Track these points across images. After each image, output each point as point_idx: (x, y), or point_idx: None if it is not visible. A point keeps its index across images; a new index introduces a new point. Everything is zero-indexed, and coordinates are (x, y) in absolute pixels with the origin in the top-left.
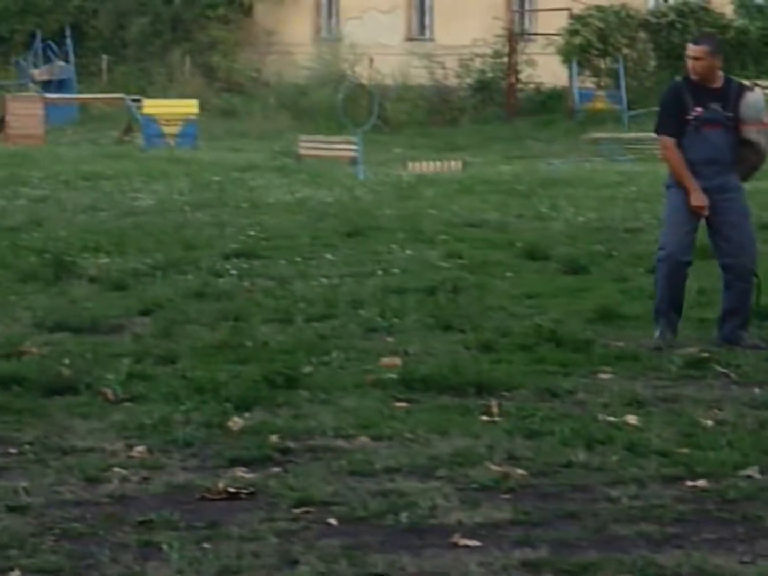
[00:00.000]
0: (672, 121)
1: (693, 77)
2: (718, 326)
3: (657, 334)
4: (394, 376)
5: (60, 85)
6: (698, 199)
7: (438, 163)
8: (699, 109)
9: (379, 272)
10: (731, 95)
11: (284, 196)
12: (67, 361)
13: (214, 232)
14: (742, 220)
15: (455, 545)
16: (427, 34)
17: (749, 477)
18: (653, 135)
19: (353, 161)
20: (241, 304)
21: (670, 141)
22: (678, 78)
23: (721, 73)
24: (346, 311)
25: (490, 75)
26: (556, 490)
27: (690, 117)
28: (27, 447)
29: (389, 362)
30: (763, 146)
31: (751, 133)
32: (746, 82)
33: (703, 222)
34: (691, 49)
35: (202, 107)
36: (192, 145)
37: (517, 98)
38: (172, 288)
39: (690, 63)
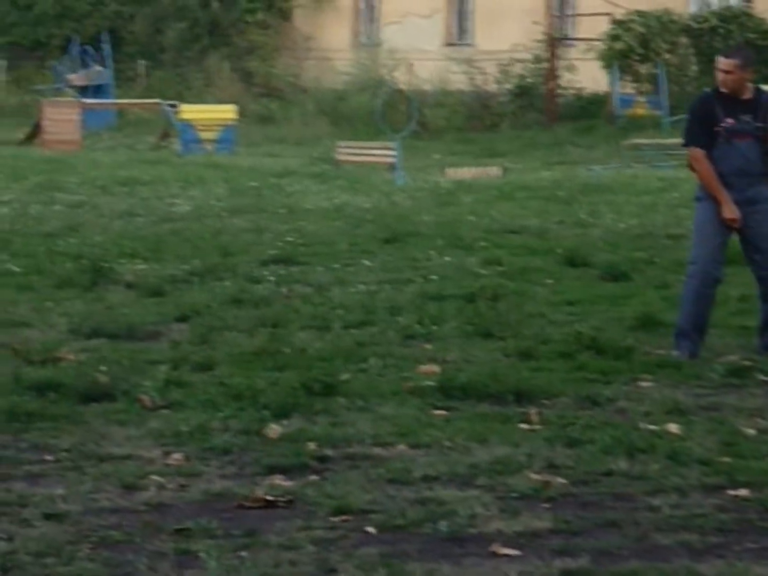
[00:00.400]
0: (702, 132)
1: (722, 90)
2: (759, 335)
3: (676, 353)
4: (432, 383)
5: (97, 90)
6: (730, 211)
7: (477, 169)
8: (730, 120)
9: (418, 279)
10: (761, 106)
11: (322, 202)
12: (103, 367)
13: (251, 238)
14: None
15: (495, 554)
16: (467, 39)
17: None
18: None
19: (392, 167)
20: (278, 310)
21: (700, 152)
22: (707, 89)
23: (750, 85)
24: (384, 318)
25: (529, 80)
26: (597, 498)
27: (720, 128)
28: (64, 454)
29: (428, 369)
30: None
31: None
32: None
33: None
34: (722, 63)
35: (239, 113)
36: (230, 150)
37: (556, 104)
38: (209, 294)
39: (720, 76)
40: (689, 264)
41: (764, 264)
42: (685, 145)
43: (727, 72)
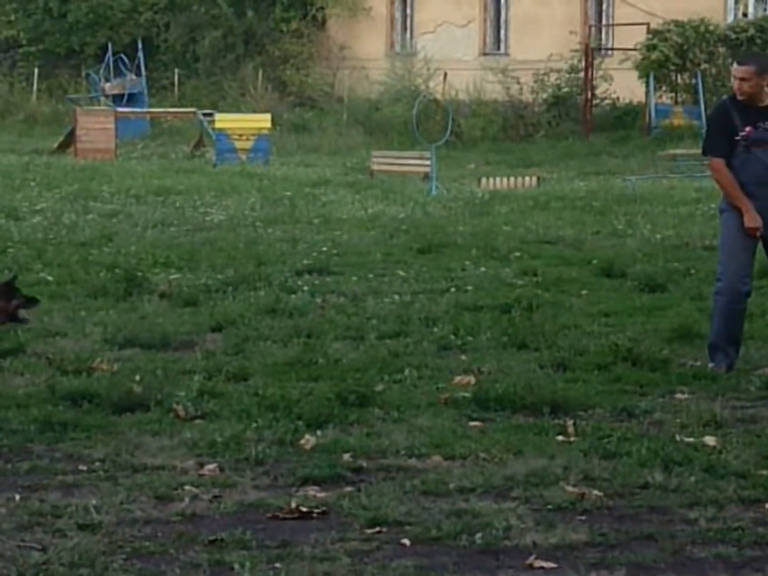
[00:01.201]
0: (721, 141)
1: (740, 98)
2: None
3: (712, 365)
4: (467, 394)
5: (131, 99)
6: (752, 219)
7: (512, 179)
8: (748, 129)
9: (453, 289)
10: None
11: (356, 211)
12: (137, 377)
13: (285, 248)
14: None
15: (531, 567)
16: (502, 48)
17: None
18: None
19: (426, 177)
20: (313, 320)
21: (719, 162)
22: (725, 97)
23: None
24: (419, 329)
25: (565, 90)
26: (633, 511)
27: (739, 137)
28: (97, 464)
29: (463, 381)
30: None
31: None
32: None
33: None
34: (737, 70)
35: (274, 122)
36: (264, 160)
37: (592, 114)
38: (243, 304)
39: (736, 84)
40: (716, 280)
41: None
42: (704, 154)
43: (743, 79)
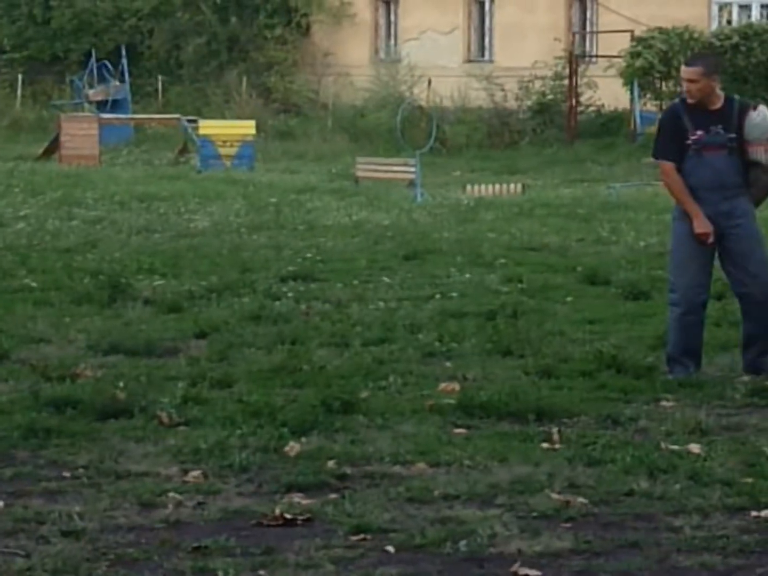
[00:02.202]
0: (671, 145)
1: (690, 101)
2: (743, 353)
3: (670, 377)
4: (452, 401)
5: (115, 105)
6: (702, 225)
7: (497, 186)
8: (699, 133)
9: (438, 296)
10: (733, 115)
11: (341, 218)
12: (121, 384)
13: (270, 255)
14: (754, 247)
15: (515, 574)
16: (487, 55)
17: None
18: None
19: (411, 184)
20: (297, 327)
21: (669, 166)
22: (676, 100)
23: (720, 93)
24: (404, 336)
25: (550, 97)
26: (618, 519)
27: (690, 141)
28: (81, 471)
29: (448, 388)
30: None
31: (758, 153)
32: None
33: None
34: (684, 72)
35: (258, 128)
36: (248, 166)
37: (577, 121)
38: (227, 311)
39: (685, 86)
40: (669, 291)
41: (744, 280)
42: (655, 158)
43: (690, 81)
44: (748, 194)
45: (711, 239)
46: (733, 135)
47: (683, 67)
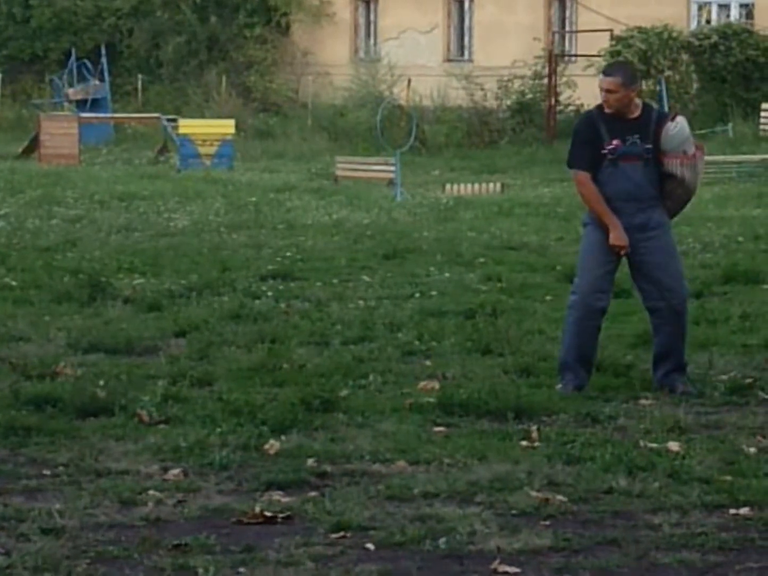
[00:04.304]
0: (586, 154)
1: (607, 110)
2: (653, 372)
3: (559, 386)
4: (432, 400)
5: (94, 104)
6: (618, 238)
7: (476, 186)
8: (616, 142)
9: (417, 295)
10: (651, 125)
11: (321, 217)
12: (101, 382)
13: (250, 254)
14: (668, 259)
15: (495, 572)
16: (466, 54)
17: None
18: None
19: (391, 183)
20: (277, 326)
21: (584, 175)
22: (592, 108)
23: (638, 102)
24: (384, 334)
25: (529, 96)
26: (597, 516)
27: (606, 150)
28: (61, 469)
29: (427, 386)
30: (689, 180)
31: (673, 166)
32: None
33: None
34: (602, 81)
35: (238, 128)
36: (228, 165)
37: (556, 120)
38: (207, 309)
39: (603, 96)
40: (570, 294)
41: (657, 294)
42: (569, 167)
43: (609, 91)
44: (662, 206)
45: (626, 251)
46: (649, 145)
47: (601, 77)
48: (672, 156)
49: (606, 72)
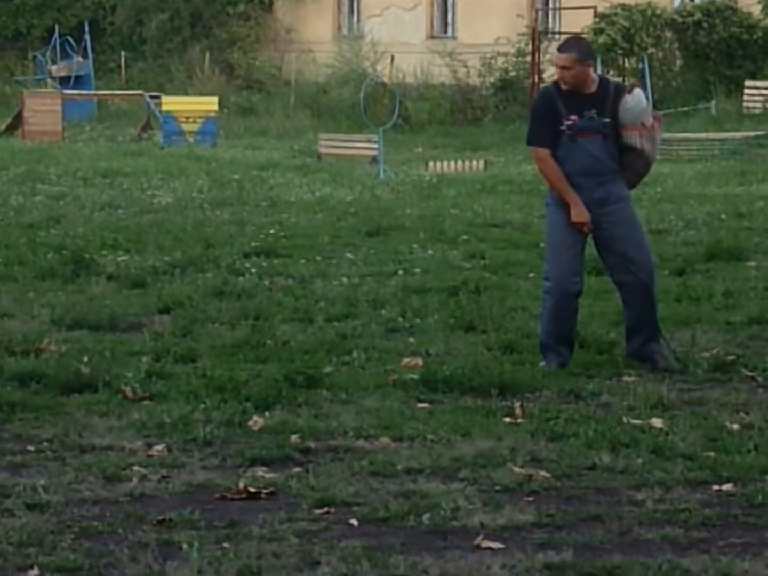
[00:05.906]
0: (545, 131)
1: (563, 87)
2: (626, 341)
3: (542, 363)
4: (415, 376)
5: (78, 81)
6: (579, 214)
7: (460, 163)
8: (573, 118)
9: (400, 272)
10: (608, 99)
11: (304, 194)
12: (85, 358)
13: (233, 231)
14: (631, 232)
15: (478, 547)
16: (450, 32)
17: None
18: (678, 135)
19: (374, 160)
20: (261, 302)
21: (544, 152)
22: (549, 84)
23: (595, 76)
24: (367, 311)
25: (513, 74)
26: (580, 492)
27: (564, 126)
28: (45, 445)
29: (411, 363)
30: (648, 151)
31: (632, 138)
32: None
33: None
34: (558, 58)
35: (221, 105)
36: (211, 142)
37: None
38: (191, 286)
39: (558, 72)
40: (544, 280)
41: (623, 268)
42: (529, 144)
43: (564, 68)
44: (623, 179)
45: (588, 228)
46: (607, 119)
47: (557, 53)
48: (631, 128)
49: (560, 48)
